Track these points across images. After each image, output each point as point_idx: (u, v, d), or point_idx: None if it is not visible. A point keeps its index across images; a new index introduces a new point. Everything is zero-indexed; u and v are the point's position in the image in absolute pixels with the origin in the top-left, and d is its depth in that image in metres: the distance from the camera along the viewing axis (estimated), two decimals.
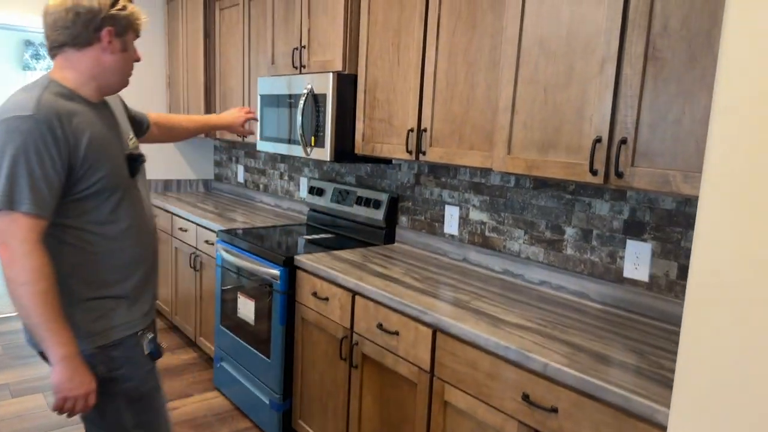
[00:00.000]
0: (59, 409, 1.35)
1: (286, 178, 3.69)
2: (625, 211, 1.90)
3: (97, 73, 1.42)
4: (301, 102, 2.59)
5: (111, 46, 1.40)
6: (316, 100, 2.57)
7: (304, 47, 2.73)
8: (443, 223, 2.59)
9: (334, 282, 2.24)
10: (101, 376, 1.41)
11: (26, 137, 1.27)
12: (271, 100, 2.90)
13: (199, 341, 3.44)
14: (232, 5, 3.48)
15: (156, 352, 1.53)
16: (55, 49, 1.40)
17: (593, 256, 2.00)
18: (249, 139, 3.38)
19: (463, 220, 2.49)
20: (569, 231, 2.08)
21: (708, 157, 0.99)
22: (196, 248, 3.35)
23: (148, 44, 4.17)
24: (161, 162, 4.34)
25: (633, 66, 1.49)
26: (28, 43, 7.04)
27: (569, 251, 2.08)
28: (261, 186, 3.97)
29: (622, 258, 1.92)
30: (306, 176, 3.48)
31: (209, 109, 3.78)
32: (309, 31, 2.70)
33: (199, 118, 2.14)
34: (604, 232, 1.97)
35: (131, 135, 1.59)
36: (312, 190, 3.22)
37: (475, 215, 2.44)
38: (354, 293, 2.15)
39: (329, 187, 3.11)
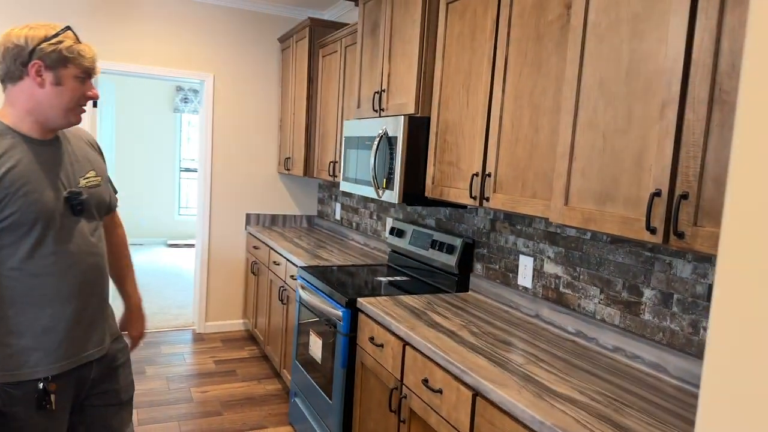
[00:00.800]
0: None
1: (374, 217, 3.71)
2: (710, 275, 1.63)
3: (31, 107, 1.40)
4: (375, 144, 2.60)
5: (40, 80, 1.38)
6: (390, 142, 2.56)
7: (384, 91, 2.75)
8: (517, 273, 2.41)
9: (387, 329, 2.17)
10: None
11: None
12: (353, 142, 2.95)
13: (282, 373, 3.53)
14: (332, 52, 3.64)
15: (42, 404, 1.39)
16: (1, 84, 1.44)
17: (673, 323, 1.73)
18: (339, 177, 3.46)
19: (537, 272, 2.30)
20: (647, 293, 1.83)
21: None
22: (285, 282, 3.47)
23: (265, 90, 4.50)
24: (270, 198, 4.60)
25: (696, 110, 1.28)
26: (179, 89, 7.95)
27: (647, 316, 1.82)
28: (354, 224, 4.04)
29: (705, 329, 1.63)
30: (392, 216, 3.47)
31: (309, 148, 3.95)
32: (389, 75, 2.73)
33: (125, 281, 1.82)
34: (685, 297, 1.70)
35: (88, 174, 1.55)
36: (393, 231, 3.20)
37: (549, 268, 2.24)
38: (405, 343, 2.06)
39: (409, 229, 3.07)
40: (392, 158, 2.54)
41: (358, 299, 2.40)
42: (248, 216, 4.55)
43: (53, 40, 1.38)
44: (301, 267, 3.01)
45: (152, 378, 3.61)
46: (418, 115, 2.49)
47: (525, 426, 1.46)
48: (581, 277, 2.09)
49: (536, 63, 1.87)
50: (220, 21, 4.31)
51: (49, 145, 1.47)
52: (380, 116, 2.78)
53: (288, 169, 4.30)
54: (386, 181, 2.58)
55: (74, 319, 1.47)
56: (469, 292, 2.68)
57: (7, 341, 1.38)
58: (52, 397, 1.41)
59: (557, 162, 1.70)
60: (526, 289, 2.36)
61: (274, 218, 4.64)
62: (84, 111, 1.48)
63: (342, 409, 2.46)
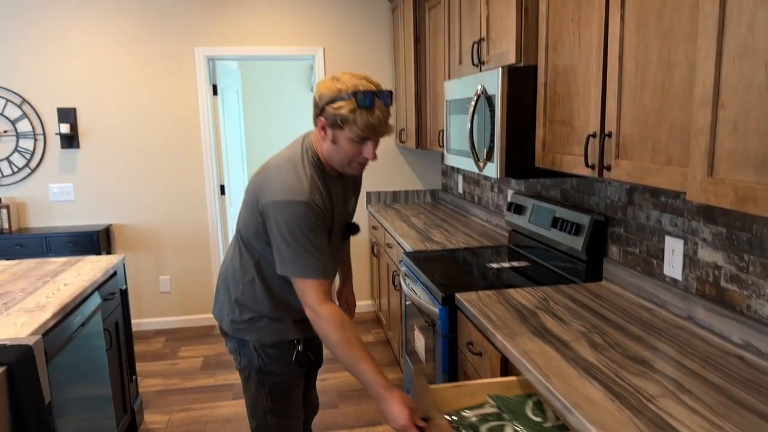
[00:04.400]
0: None
1: (495, 190, 3.24)
2: None
3: (321, 150, 1.62)
4: (472, 106, 2.16)
5: (323, 134, 1.56)
6: (489, 102, 2.10)
7: (483, 40, 2.28)
8: (662, 260, 1.84)
9: (484, 334, 1.77)
10: (258, 366, 1.71)
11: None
12: (455, 106, 2.52)
13: (400, 362, 3.28)
14: (436, 4, 3.19)
15: (301, 361, 1.75)
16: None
17: None
18: None
19: (689, 260, 1.72)
20: None
21: None
22: (397, 266, 3.19)
23: (377, 57, 4.19)
24: (391, 174, 4.33)
25: None
26: (312, 67, 7.99)
27: None
28: (476, 198, 3.60)
29: None
30: (512, 189, 2.98)
31: (420, 116, 3.57)
32: (487, 19, 2.24)
33: (345, 268, 2.12)
34: None
35: (350, 201, 1.79)
36: (511, 207, 2.72)
37: (705, 254, 1.65)
38: (502, 356, 1.65)
39: (529, 204, 2.57)
40: (492, 122, 2.08)
41: (456, 295, 2.02)
42: (368, 194, 4.33)
43: (335, 104, 1.50)
44: (405, 252, 2.69)
45: None
46: (522, 64, 2.00)
47: None
48: (751, 268, 1.49)
49: None
50: None
51: (337, 179, 1.69)
52: (480, 71, 2.31)
53: (402, 141, 3.97)
54: (487, 151, 2.14)
55: None
56: (603, 282, 2.14)
57: (276, 316, 1.71)
58: (302, 354, 1.74)
59: (695, 113, 1.15)
60: (674, 281, 1.79)
61: (395, 195, 4.36)
62: (362, 167, 1.62)
63: None
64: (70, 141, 3.99)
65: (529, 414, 1.40)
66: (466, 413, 1.44)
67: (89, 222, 4.11)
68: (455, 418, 1.42)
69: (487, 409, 1.45)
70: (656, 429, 1.14)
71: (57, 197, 4.04)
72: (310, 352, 1.89)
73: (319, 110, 1.54)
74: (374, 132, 1.51)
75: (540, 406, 1.43)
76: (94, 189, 4.07)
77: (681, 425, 1.15)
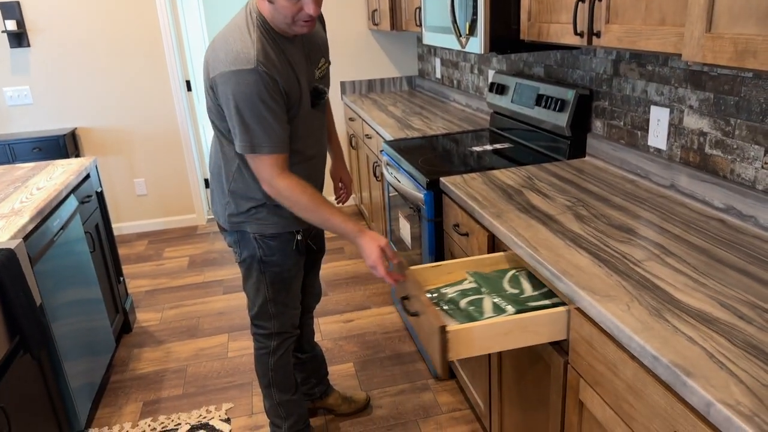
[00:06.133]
0: (376, 273, 1.54)
1: (476, 71, 3.14)
2: None
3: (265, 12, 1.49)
4: None
5: None
6: None
7: None
8: (647, 131, 1.83)
9: (471, 215, 1.78)
10: (259, 257, 1.70)
11: None
12: None
13: None
14: None
15: (301, 251, 1.75)
16: None
17: None
18: None
19: (675, 129, 1.71)
20: None
21: None
22: (377, 156, 3.15)
23: None
24: (365, 62, 4.16)
25: None
26: None
27: None
28: (455, 82, 3.50)
29: None
30: (494, 68, 2.89)
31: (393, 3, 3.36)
32: None
33: (333, 147, 2.00)
34: None
35: (320, 63, 1.65)
36: (493, 87, 2.65)
37: (691, 121, 1.64)
38: (490, 234, 1.67)
39: (512, 83, 2.51)
40: None
41: (441, 179, 2.01)
42: (342, 84, 4.18)
43: None
44: (386, 142, 2.64)
45: None
46: None
47: (632, 357, 1.05)
48: (737, 132, 1.48)
49: None
50: None
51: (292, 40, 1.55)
52: None
53: (376, 24, 3.77)
54: (470, 25, 2.03)
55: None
56: (586, 158, 2.15)
57: (273, 202, 1.64)
58: (301, 243, 1.74)
59: None
60: (659, 151, 1.79)
61: (370, 83, 4.22)
62: (310, 24, 1.48)
63: None
64: (18, 39, 3.70)
65: (506, 287, 1.44)
66: (446, 290, 1.48)
67: (53, 127, 3.93)
68: (435, 295, 1.46)
69: (466, 285, 1.49)
70: (644, 290, 1.18)
71: (14, 101, 3.82)
72: (311, 241, 1.90)
73: None
74: None
75: (517, 280, 1.46)
76: (52, 91, 3.85)
77: (667, 285, 1.19)
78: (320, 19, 1.74)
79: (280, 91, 1.48)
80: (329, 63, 1.71)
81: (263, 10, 1.48)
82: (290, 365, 1.89)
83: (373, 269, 1.53)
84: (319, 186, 1.77)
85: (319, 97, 1.64)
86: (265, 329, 1.81)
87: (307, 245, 1.86)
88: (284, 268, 1.74)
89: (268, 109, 1.45)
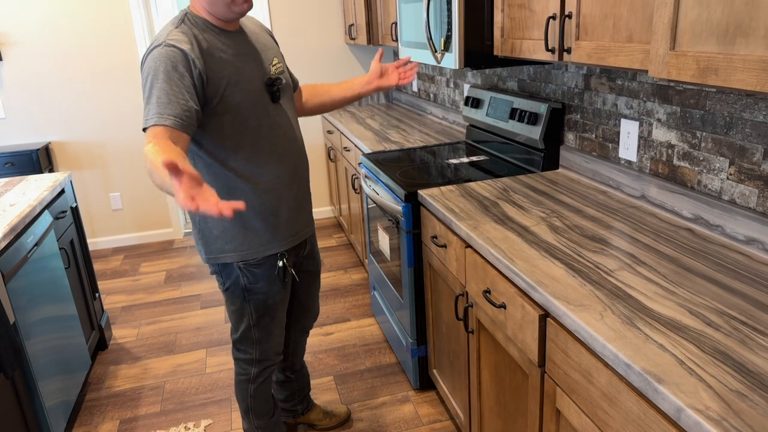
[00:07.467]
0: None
1: (452, 85, 3.19)
2: None
3: (203, 6, 1.50)
4: None
5: None
6: None
7: None
8: (618, 144, 1.88)
9: (449, 227, 1.81)
10: (243, 285, 1.68)
11: None
12: None
13: (365, 262, 3.35)
14: None
15: (282, 278, 1.72)
16: None
17: None
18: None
19: (644, 141, 1.76)
20: None
21: None
22: (355, 169, 3.17)
23: None
24: (341, 75, 4.19)
25: None
26: None
27: None
28: (431, 95, 3.54)
29: None
30: (468, 83, 2.94)
31: (370, 9, 3.41)
32: None
33: (350, 87, 1.93)
34: None
35: (274, 61, 1.65)
36: (468, 101, 2.70)
37: (660, 134, 1.70)
38: (466, 244, 1.70)
39: (486, 97, 2.55)
40: (449, 9, 2.00)
41: (419, 191, 2.03)
42: None
43: None
44: (364, 154, 2.66)
45: None
46: None
47: (606, 365, 1.08)
48: (703, 144, 1.54)
49: None
50: None
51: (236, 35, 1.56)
52: None
53: (353, 38, 3.81)
54: (445, 41, 2.07)
55: (293, 202, 1.69)
56: (559, 170, 2.19)
57: (250, 226, 1.63)
58: (286, 270, 1.72)
59: None
60: (629, 163, 1.84)
61: None
62: (248, 2, 1.49)
63: (414, 309, 2.21)
64: None
65: None
66: None
67: (26, 141, 3.87)
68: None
69: None
70: (616, 299, 1.21)
71: None
72: (304, 261, 1.88)
73: None
74: None
75: None
76: (25, 104, 3.79)
77: (638, 294, 1.23)
78: (268, 32, 1.75)
79: (190, 67, 1.43)
80: (285, 65, 1.72)
81: (198, 9, 1.51)
82: (269, 391, 1.87)
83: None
84: (297, 183, 1.69)
85: (273, 86, 1.59)
86: (247, 354, 1.79)
87: (295, 269, 1.82)
88: (269, 295, 1.71)
89: (170, 82, 1.39)
